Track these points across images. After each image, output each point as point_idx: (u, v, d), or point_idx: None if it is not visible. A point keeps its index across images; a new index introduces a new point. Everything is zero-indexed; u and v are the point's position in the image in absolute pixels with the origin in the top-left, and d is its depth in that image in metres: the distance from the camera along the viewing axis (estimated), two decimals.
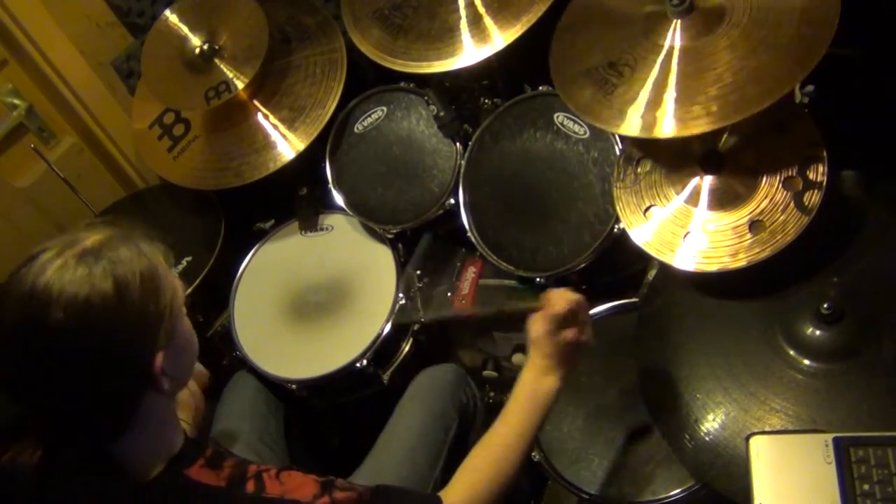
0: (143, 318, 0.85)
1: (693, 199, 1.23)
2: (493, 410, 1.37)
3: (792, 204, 1.14)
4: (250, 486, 0.92)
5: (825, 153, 1.14)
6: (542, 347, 1.08)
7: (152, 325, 0.87)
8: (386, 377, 1.62)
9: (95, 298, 0.81)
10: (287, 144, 1.68)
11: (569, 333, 1.07)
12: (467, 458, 1.07)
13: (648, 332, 1.29)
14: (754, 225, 1.17)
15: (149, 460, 0.91)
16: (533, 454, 1.33)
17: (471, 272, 1.62)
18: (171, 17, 1.72)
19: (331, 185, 1.73)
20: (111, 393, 0.86)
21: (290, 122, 1.69)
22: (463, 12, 1.53)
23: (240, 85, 1.62)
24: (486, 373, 1.66)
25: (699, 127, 1.11)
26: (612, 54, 1.24)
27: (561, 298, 1.08)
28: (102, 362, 0.84)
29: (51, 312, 0.80)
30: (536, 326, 1.09)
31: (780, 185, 1.16)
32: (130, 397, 0.88)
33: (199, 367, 1.25)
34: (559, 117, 1.51)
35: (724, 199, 1.20)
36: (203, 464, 0.92)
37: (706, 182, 1.23)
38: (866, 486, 0.85)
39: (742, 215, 1.18)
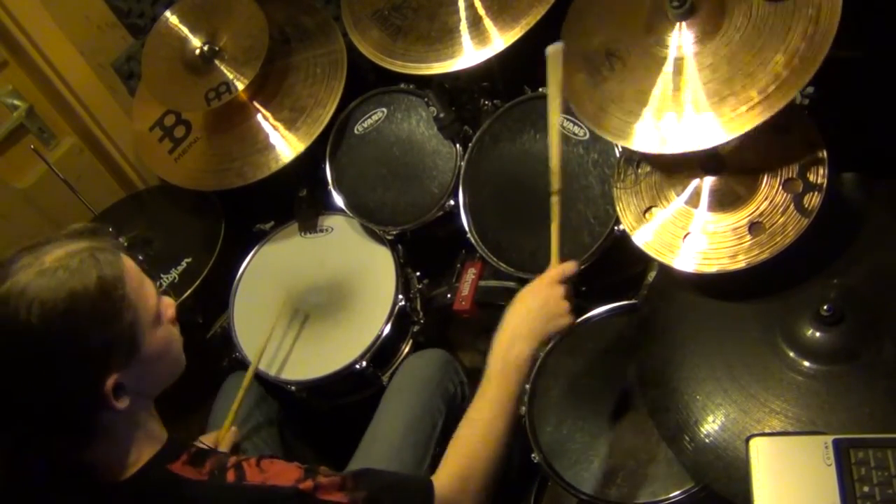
0: (89, 345, 0.85)
1: (693, 200, 1.23)
2: None
3: (792, 206, 1.14)
4: (230, 476, 0.92)
5: (825, 155, 1.14)
6: (526, 299, 1.13)
7: (100, 351, 0.86)
8: (385, 378, 1.62)
9: (38, 325, 0.81)
10: (287, 145, 1.68)
11: (559, 290, 1.14)
12: (453, 438, 1.08)
13: (648, 334, 1.28)
14: (754, 227, 1.17)
15: (124, 461, 0.91)
16: (533, 455, 1.33)
17: (471, 273, 1.62)
18: (171, 18, 1.72)
19: (331, 187, 1.74)
20: (59, 414, 0.86)
21: (291, 123, 1.69)
22: (463, 14, 1.53)
23: (240, 86, 1.62)
24: None
25: (707, 140, 1.11)
26: (612, 43, 1.24)
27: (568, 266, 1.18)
28: (45, 384, 0.84)
29: None
30: (542, 276, 1.16)
31: (781, 187, 1.16)
32: (80, 418, 0.88)
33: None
34: (559, 119, 1.51)
35: (724, 201, 1.20)
36: (186, 460, 0.93)
37: (706, 183, 1.22)
38: (866, 488, 0.85)
39: (742, 217, 1.18)
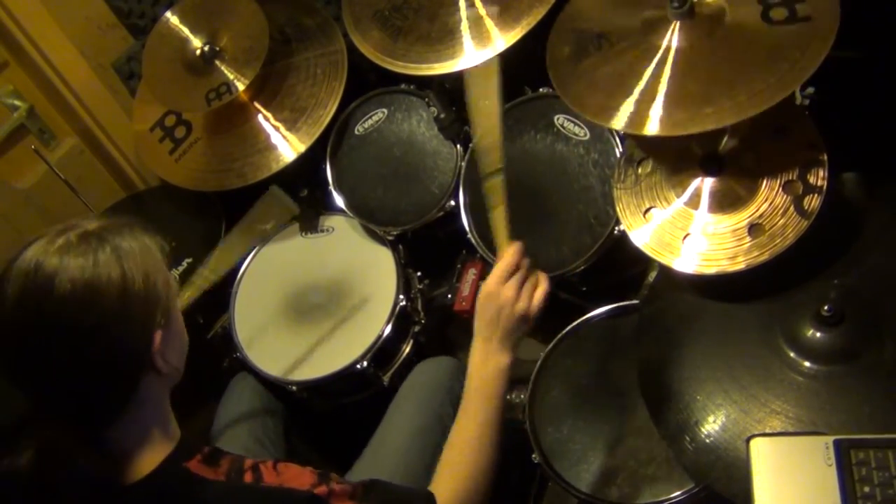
0: (144, 295, 0.88)
1: (693, 201, 1.23)
2: None
3: (792, 207, 1.14)
4: (248, 477, 0.93)
5: (825, 156, 1.14)
6: (483, 314, 1.08)
7: (152, 303, 0.89)
8: (386, 379, 1.62)
9: (102, 272, 0.84)
10: (288, 146, 1.68)
11: (508, 291, 1.07)
12: (443, 455, 1.07)
13: (648, 334, 1.29)
14: (753, 228, 1.17)
15: (146, 450, 0.91)
16: (533, 456, 1.33)
17: (471, 274, 1.62)
18: (171, 18, 1.73)
19: (331, 187, 1.74)
20: (111, 367, 0.87)
21: (291, 124, 1.69)
22: (463, 14, 1.53)
23: (240, 86, 1.62)
24: None
25: (691, 127, 1.11)
26: (606, 26, 1.24)
27: (506, 254, 1.10)
28: (104, 335, 0.85)
29: (56, 284, 0.82)
30: (491, 277, 1.09)
31: (781, 189, 1.16)
32: (129, 374, 0.89)
33: None
34: (559, 119, 1.51)
35: (724, 202, 1.20)
36: (201, 459, 0.93)
37: (706, 184, 1.22)
38: (867, 489, 0.85)
39: (742, 218, 1.18)
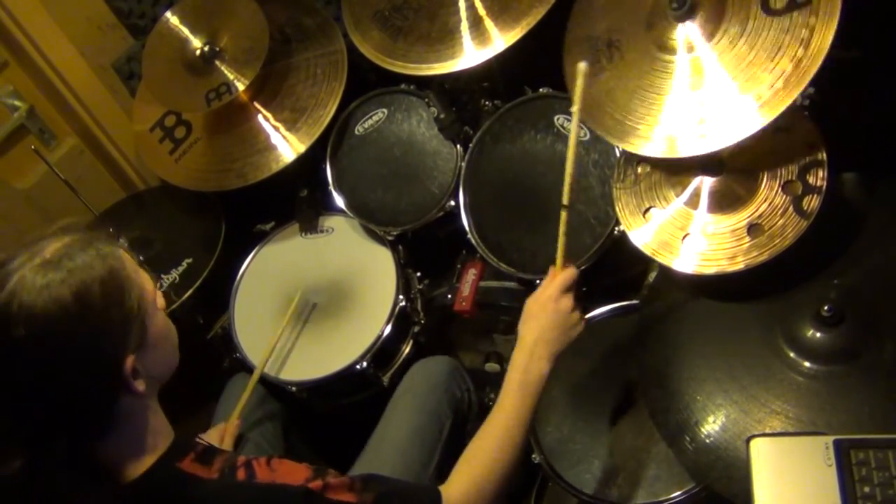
0: (106, 324, 0.85)
1: (693, 201, 1.23)
2: None
3: (791, 208, 1.14)
4: (241, 475, 0.93)
5: (825, 157, 1.14)
6: (538, 315, 1.13)
7: (118, 330, 0.87)
8: (386, 379, 1.62)
9: (55, 310, 0.81)
10: (288, 146, 1.68)
11: (568, 301, 1.13)
12: (466, 450, 1.08)
13: (649, 334, 1.29)
14: (753, 228, 1.17)
15: (137, 457, 0.91)
16: (533, 456, 1.33)
17: (471, 274, 1.62)
18: (171, 18, 1.73)
19: (331, 187, 1.74)
20: (82, 400, 0.86)
21: (291, 124, 1.69)
22: (463, 14, 1.53)
23: (240, 86, 1.62)
24: (488, 366, 1.66)
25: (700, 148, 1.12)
26: (614, 33, 1.24)
27: (569, 269, 1.17)
28: (68, 373, 0.84)
29: (11, 329, 0.81)
30: (547, 286, 1.14)
31: (780, 189, 1.16)
32: (103, 403, 0.88)
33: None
34: (559, 119, 1.51)
35: (723, 202, 1.20)
36: (194, 458, 0.93)
37: (706, 184, 1.22)
38: (867, 489, 0.85)
39: (741, 218, 1.18)
